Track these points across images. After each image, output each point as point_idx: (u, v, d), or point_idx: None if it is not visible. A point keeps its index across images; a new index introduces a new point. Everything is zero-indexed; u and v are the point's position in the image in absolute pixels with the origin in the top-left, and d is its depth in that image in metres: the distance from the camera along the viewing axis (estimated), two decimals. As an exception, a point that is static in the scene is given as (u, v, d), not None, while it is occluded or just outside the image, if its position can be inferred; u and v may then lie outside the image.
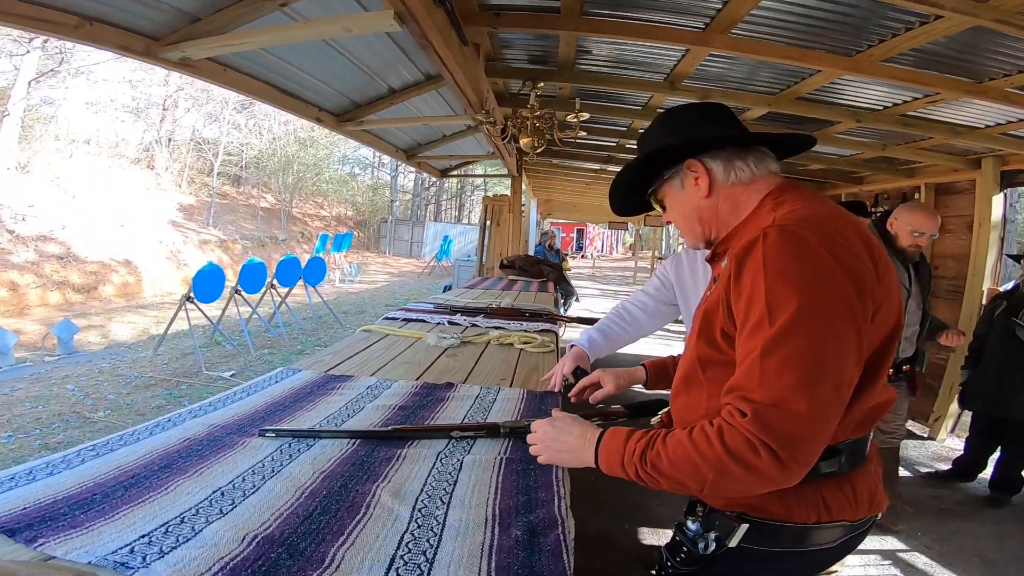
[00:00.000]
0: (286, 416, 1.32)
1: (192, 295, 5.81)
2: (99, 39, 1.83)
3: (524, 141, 3.07)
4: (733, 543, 0.88)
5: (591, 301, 11.63)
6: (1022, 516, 2.85)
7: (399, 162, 24.52)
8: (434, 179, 24.81)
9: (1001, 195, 3.80)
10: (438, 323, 2.68)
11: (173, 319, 6.02)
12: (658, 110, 3.61)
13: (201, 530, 0.76)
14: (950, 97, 2.53)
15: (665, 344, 7.49)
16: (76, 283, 9.64)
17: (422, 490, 0.97)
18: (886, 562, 2.42)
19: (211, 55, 2.15)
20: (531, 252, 8.70)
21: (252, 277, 6.79)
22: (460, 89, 2.30)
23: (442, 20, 1.62)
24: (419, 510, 0.90)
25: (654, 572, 1.02)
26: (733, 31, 2.12)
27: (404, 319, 2.73)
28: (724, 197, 0.93)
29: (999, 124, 2.99)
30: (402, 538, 0.80)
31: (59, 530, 0.73)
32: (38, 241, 9.86)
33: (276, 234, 17.79)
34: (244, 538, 0.75)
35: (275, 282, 7.37)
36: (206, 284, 5.97)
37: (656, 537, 2.50)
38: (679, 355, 1.38)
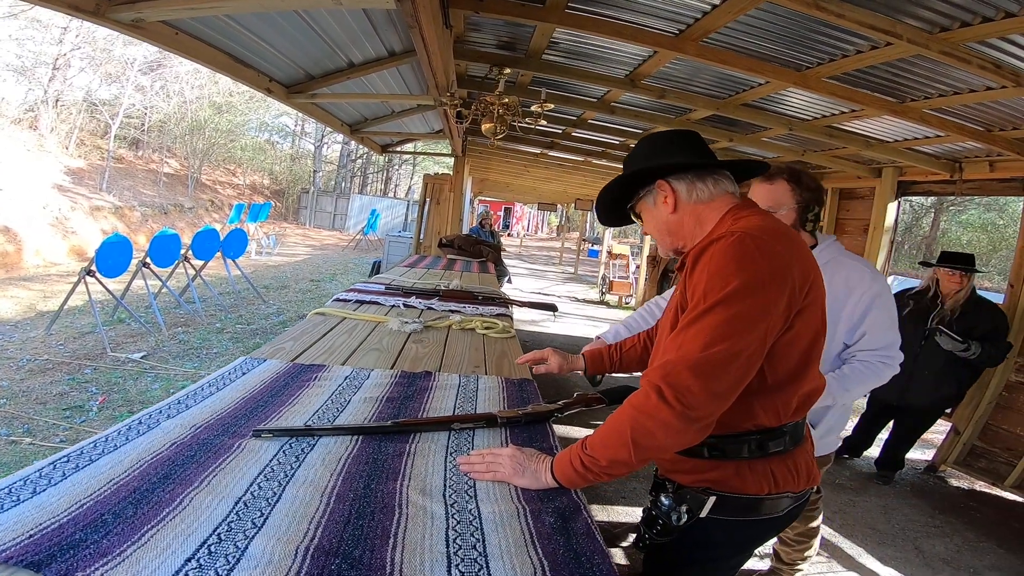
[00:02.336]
0: (270, 412, 1.26)
1: (94, 268, 5.19)
2: (50, -3, 1.58)
3: (486, 127, 3.03)
4: (703, 514, 1.02)
5: (521, 281, 11.84)
6: (902, 492, 3.29)
7: (324, 132, 23.19)
8: (362, 151, 23.80)
9: (895, 202, 4.32)
10: (393, 305, 2.64)
11: (70, 294, 5.36)
12: (613, 104, 3.71)
13: (245, 547, 0.72)
14: (872, 113, 2.83)
15: (594, 326, 7.83)
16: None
17: (446, 485, 0.98)
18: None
19: (170, 18, 1.92)
20: (465, 231, 8.67)
21: (164, 249, 6.18)
22: (432, 71, 2.22)
23: (434, 2, 1.56)
24: (451, 505, 0.91)
25: (638, 545, 1.13)
26: (704, 40, 2.22)
27: (357, 301, 2.66)
28: (688, 213, 1.07)
29: (905, 139, 3.38)
30: (447, 535, 0.82)
31: (91, 560, 0.66)
32: None
33: (182, 201, 16.22)
34: (296, 552, 0.72)
35: (190, 254, 6.76)
36: (111, 256, 5.35)
37: (607, 513, 2.67)
38: (616, 343, 1.53)
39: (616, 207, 1.21)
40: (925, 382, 3.09)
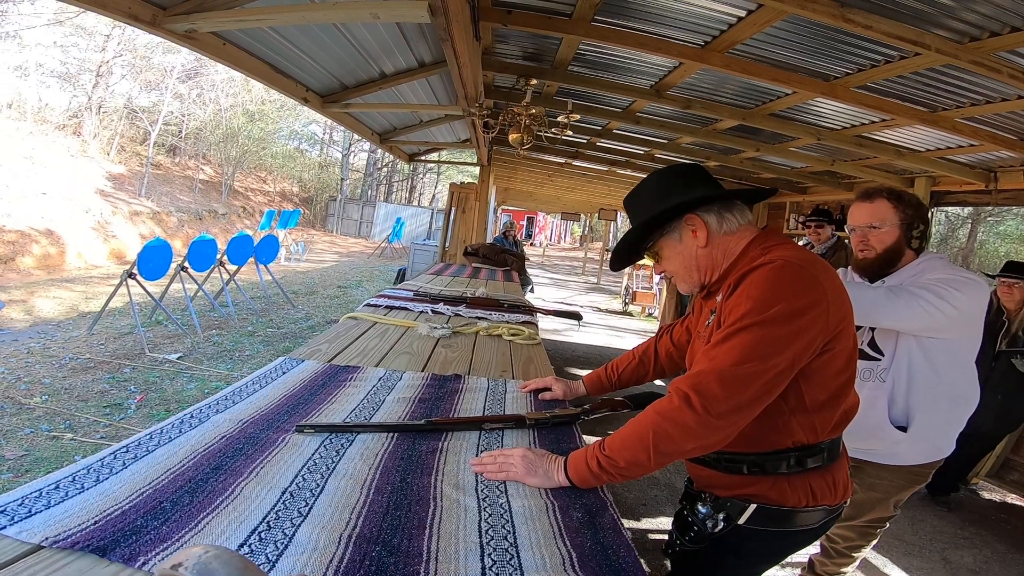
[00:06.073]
0: (311, 410, 1.32)
1: (136, 271, 5.42)
2: (108, 6, 1.71)
3: (513, 137, 3.09)
4: (742, 521, 1.04)
5: (543, 290, 11.87)
6: (932, 504, 3.19)
7: (352, 141, 23.63)
8: (387, 159, 24.23)
9: (930, 213, 4.22)
10: (422, 311, 2.70)
11: (112, 295, 5.60)
12: (638, 114, 3.74)
13: (293, 534, 0.77)
14: (903, 123, 2.80)
15: (617, 336, 7.80)
16: (-10, 253, 8.72)
17: (478, 480, 1.02)
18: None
19: (220, 29, 2.04)
20: (489, 240, 8.76)
21: (201, 254, 6.42)
22: (463, 82, 2.29)
23: (466, 16, 1.62)
24: (483, 499, 0.95)
25: (668, 551, 1.16)
26: (730, 51, 2.24)
27: (387, 306, 2.73)
28: (718, 245, 1.09)
29: (938, 148, 3.33)
30: (480, 527, 0.86)
31: (152, 545, 0.71)
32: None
33: (215, 207, 16.75)
34: (340, 539, 0.77)
35: (225, 259, 7.00)
36: (152, 260, 5.58)
37: (627, 522, 2.67)
38: (613, 363, 1.54)
39: (631, 250, 1.20)
40: (994, 406, 2.86)
